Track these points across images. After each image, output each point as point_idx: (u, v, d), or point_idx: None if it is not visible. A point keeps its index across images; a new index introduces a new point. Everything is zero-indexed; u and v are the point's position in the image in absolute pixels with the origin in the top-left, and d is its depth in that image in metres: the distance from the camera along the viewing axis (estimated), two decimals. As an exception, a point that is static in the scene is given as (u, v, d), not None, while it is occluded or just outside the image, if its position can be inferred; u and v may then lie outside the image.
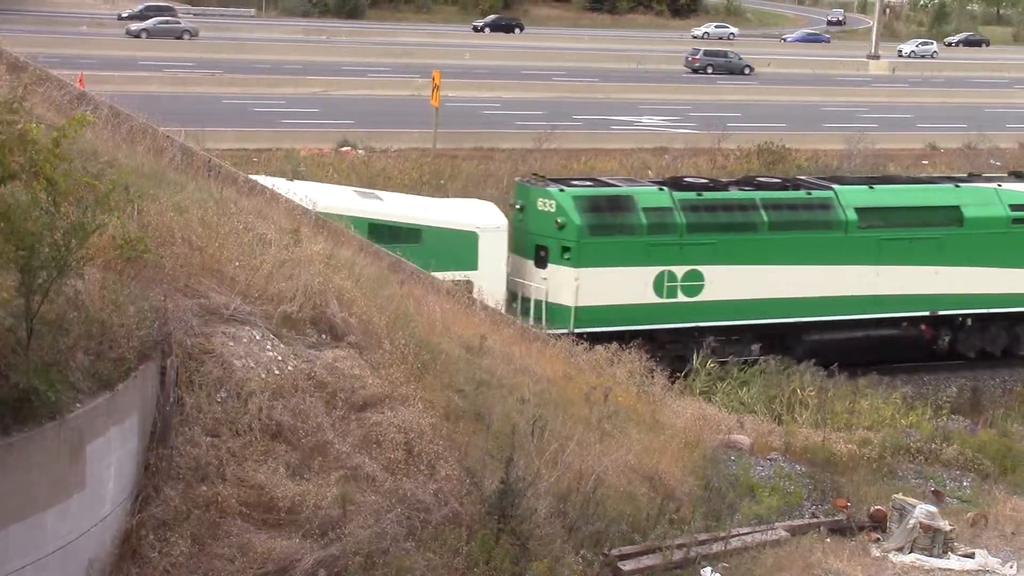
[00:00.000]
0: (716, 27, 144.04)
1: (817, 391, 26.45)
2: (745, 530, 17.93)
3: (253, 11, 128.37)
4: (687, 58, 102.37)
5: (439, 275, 23.74)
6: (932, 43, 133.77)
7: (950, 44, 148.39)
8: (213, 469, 13.21)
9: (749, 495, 19.12)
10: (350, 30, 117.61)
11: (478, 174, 51.41)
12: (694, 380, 28.34)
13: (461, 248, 30.05)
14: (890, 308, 33.24)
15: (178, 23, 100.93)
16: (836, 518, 18.93)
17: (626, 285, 30.59)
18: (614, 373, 22.01)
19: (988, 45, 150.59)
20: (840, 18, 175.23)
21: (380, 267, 19.94)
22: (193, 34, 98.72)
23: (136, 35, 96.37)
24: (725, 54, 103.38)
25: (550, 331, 25.68)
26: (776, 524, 18.36)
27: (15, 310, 11.63)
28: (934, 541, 17.88)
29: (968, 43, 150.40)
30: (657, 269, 30.80)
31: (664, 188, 32.15)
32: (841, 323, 32.81)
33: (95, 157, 15.05)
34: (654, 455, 18.50)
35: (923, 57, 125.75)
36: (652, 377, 22.56)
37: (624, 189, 32.19)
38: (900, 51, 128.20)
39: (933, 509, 18.45)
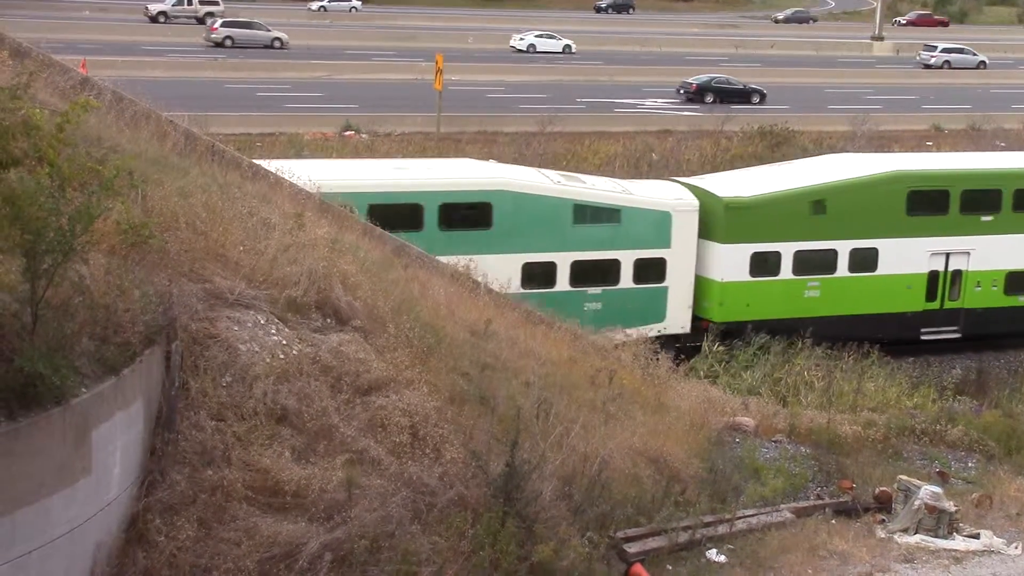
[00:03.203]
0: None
1: (823, 373, 26.47)
2: (750, 512, 17.95)
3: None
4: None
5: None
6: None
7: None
8: (219, 453, 13.23)
9: (754, 477, 19.14)
10: (354, 14, 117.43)
11: (482, 158, 51.38)
12: (699, 363, 28.36)
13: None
14: None
15: None
16: (841, 500, 18.95)
17: None
18: (619, 356, 22.02)
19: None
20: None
21: (384, 251, 19.95)
22: None
23: None
24: None
25: None
26: (781, 506, 18.39)
27: (20, 295, 11.64)
28: (939, 522, 17.90)
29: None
30: None
31: None
32: None
33: (98, 142, 15.04)
34: (659, 438, 18.51)
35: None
36: (657, 360, 22.56)
37: None
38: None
39: (938, 490, 18.46)
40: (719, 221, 32.80)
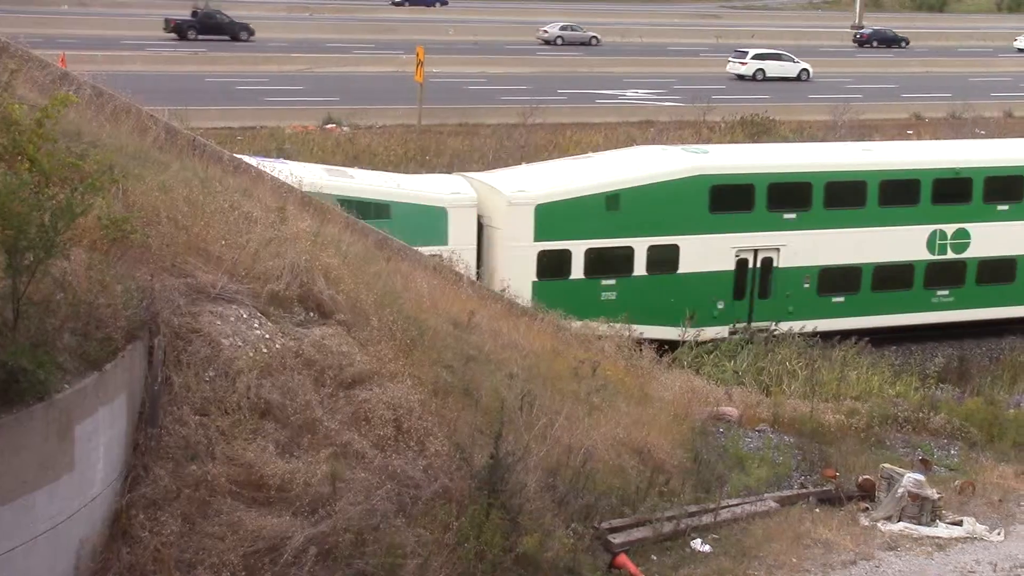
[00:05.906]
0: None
1: (805, 362, 26.54)
2: (734, 502, 17.99)
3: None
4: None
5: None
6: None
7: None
8: (202, 448, 13.19)
9: (738, 467, 19.19)
10: (334, 7, 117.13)
11: (463, 150, 51.43)
12: (683, 353, 28.40)
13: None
14: None
15: None
16: (825, 488, 19.00)
17: None
18: (602, 347, 22.04)
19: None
20: None
21: (366, 244, 19.90)
22: None
23: None
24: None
25: None
26: (765, 495, 18.44)
27: (2, 291, 11.60)
28: (922, 509, 17.97)
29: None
30: None
31: None
32: None
33: (79, 137, 14.98)
34: (643, 428, 18.54)
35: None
36: (640, 350, 22.59)
37: None
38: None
39: (921, 478, 18.53)
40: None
